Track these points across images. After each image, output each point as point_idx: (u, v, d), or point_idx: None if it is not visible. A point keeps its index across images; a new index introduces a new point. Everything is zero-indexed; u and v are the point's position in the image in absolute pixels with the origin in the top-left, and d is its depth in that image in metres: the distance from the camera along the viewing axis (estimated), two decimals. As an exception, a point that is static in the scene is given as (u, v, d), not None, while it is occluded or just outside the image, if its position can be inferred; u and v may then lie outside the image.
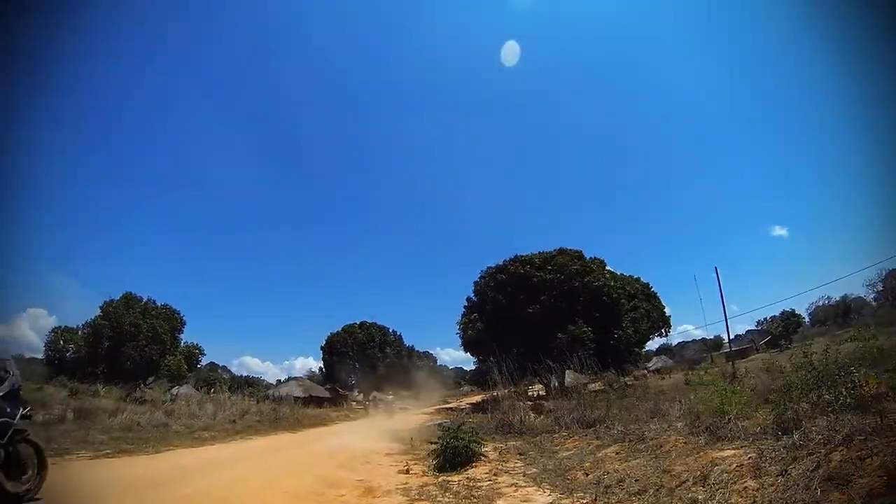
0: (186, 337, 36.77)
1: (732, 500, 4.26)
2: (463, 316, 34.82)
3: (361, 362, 49.75)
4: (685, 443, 6.88)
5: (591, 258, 33.65)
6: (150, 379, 35.44)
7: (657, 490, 5.15)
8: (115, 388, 25.22)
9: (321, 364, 56.96)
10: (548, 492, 6.16)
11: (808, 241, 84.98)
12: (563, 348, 25.71)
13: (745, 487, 4.37)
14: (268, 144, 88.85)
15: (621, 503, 5.17)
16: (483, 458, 8.91)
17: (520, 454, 9.39)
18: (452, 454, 8.63)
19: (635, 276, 41.23)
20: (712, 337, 58.76)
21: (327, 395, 48.25)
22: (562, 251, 33.56)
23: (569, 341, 27.46)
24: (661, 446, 7.01)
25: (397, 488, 7.02)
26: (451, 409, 34.19)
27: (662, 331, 43.50)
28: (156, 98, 77.65)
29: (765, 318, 59.69)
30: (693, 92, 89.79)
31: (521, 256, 33.55)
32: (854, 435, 4.36)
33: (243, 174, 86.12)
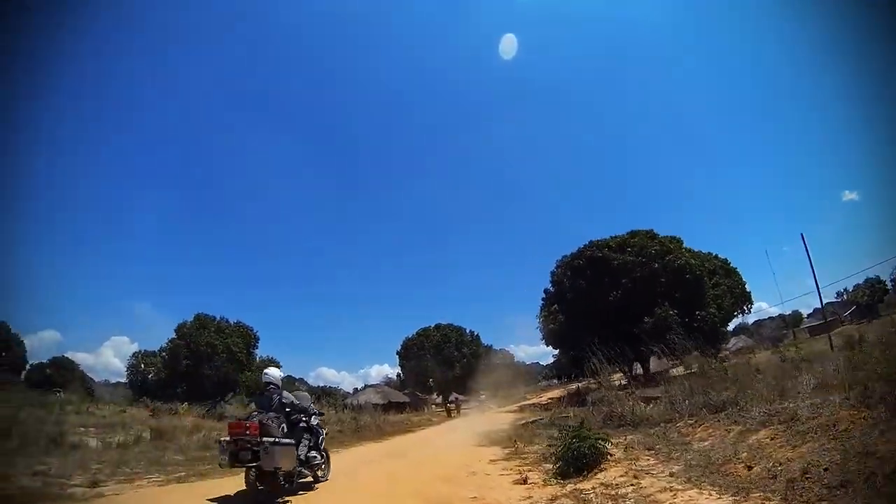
0: (262, 352, 38.06)
1: None
2: (542, 309, 34.10)
3: (439, 365, 49.65)
4: (865, 417, 5.73)
5: (666, 237, 32.03)
6: (229, 395, 36.54)
7: (868, 478, 4.15)
8: (194, 406, 26.12)
9: (398, 370, 57.68)
10: (714, 494, 5.11)
11: (882, 204, 75.08)
12: (649, 333, 24.43)
13: None
14: (328, 154, 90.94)
15: (824, 500, 4.22)
16: (609, 457, 7.91)
17: (647, 449, 8.34)
18: (575, 456, 7.54)
19: (711, 253, 38.57)
20: (790, 313, 54.38)
21: (406, 399, 48.63)
22: (634, 233, 32.14)
23: (654, 326, 26.17)
24: (834, 425, 5.88)
25: (521, 504, 6.12)
26: (535, 405, 33.26)
27: (744, 308, 40.35)
28: (222, 118, 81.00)
29: (845, 289, 54.28)
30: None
31: (596, 241, 32.38)
32: None
33: (306, 186, 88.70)
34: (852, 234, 78.77)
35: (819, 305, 33.76)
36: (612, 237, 32.52)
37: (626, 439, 9.46)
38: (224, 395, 36.09)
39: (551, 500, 6.13)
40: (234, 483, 7.25)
